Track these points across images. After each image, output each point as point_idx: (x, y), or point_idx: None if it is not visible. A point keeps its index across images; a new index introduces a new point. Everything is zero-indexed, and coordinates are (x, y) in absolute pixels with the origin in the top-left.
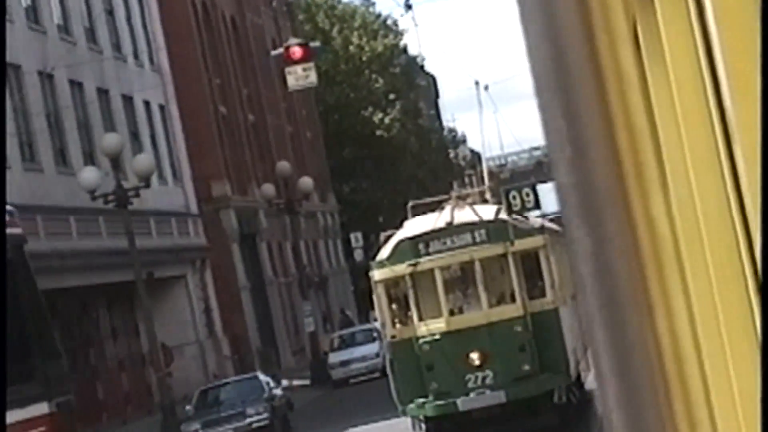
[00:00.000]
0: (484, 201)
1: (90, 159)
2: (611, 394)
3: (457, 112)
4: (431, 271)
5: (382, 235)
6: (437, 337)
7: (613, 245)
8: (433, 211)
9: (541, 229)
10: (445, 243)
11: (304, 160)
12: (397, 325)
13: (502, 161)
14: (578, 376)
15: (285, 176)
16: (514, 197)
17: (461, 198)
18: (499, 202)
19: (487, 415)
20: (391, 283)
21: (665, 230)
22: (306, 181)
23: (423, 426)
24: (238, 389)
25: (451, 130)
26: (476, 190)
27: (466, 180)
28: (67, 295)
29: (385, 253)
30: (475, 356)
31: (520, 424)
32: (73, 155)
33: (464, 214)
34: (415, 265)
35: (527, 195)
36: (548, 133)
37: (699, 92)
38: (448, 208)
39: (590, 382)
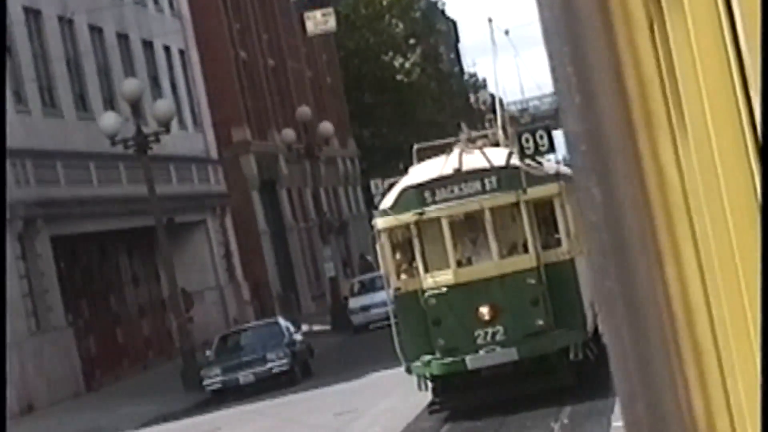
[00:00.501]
0: (496, 144)
1: (110, 104)
2: (621, 342)
3: (478, 57)
4: (438, 220)
5: (386, 182)
6: (444, 290)
7: (622, 193)
8: (440, 154)
9: (556, 176)
10: (452, 191)
11: (324, 105)
12: (402, 277)
13: (523, 106)
14: (596, 330)
15: (305, 121)
16: (527, 140)
17: (471, 141)
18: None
19: (498, 374)
20: (396, 233)
21: (674, 178)
22: (326, 126)
23: (429, 385)
24: (259, 334)
25: (472, 75)
26: (487, 132)
27: (487, 125)
28: (87, 241)
29: (389, 201)
30: (484, 310)
31: (532, 384)
32: (93, 101)
33: (474, 159)
34: (421, 213)
35: (541, 138)
36: (557, 81)
37: (717, 40)
38: (456, 152)
39: None
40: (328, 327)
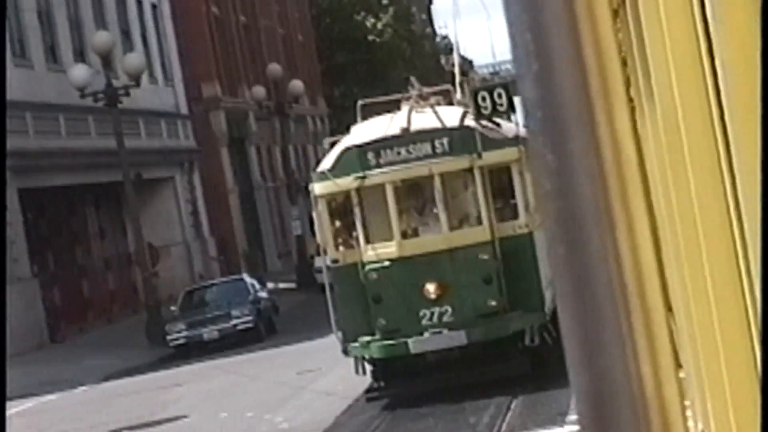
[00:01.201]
0: (450, 103)
1: (81, 56)
2: (571, 310)
3: (450, 19)
4: (382, 186)
5: (326, 141)
6: (387, 263)
7: (577, 161)
8: (387, 112)
9: (516, 140)
10: (399, 153)
11: (295, 63)
12: (341, 248)
13: (495, 69)
14: (555, 311)
15: (276, 79)
16: (483, 99)
17: (423, 98)
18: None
19: (445, 359)
20: (335, 199)
21: (629, 147)
22: (296, 84)
23: (367, 369)
24: (224, 291)
25: (444, 37)
26: (442, 88)
27: (457, 88)
28: (54, 193)
29: (328, 162)
30: (431, 288)
31: (483, 371)
32: (64, 52)
33: (424, 119)
34: (362, 178)
35: (499, 96)
36: (515, 47)
37: (687, 14)
38: (405, 110)
39: None
40: (293, 285)
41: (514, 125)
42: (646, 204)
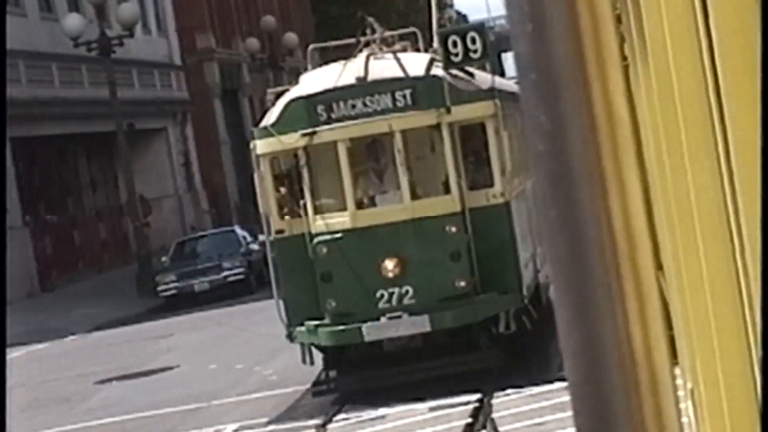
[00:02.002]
0: (418, 50)
1: (74, 6)
2: (563, 272)
3: None
4: (334, 144)
5: (270, 92)
6: (339, 236)
7: (570, 122)
8: (343, 59)
9: (491, 91)
10: (354, 106)
11: (289, 16)
12: (286, 218)
13: (489, 24)
14: (537, 289)
15: (270, 31)
16: (454, 44)
17: (386, 44)
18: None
19: (404, 348)
20: (279, 159)
21: (622, 109)
22: (290, 37)
23: (318, 357)
24: (215, 242)
25: None
26: (409, 31)
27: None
28: (47, 143)
29: (272, 116)
30: (389, 265)
31: (449, 363)
32: (58, 1)
33: (384, 67)
34: (311, 135)
35: (473, 41)
36: (510, 8)
37: None
38: (362, 56)
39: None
40: None
41: (489, 76)
42: (638, 165)
